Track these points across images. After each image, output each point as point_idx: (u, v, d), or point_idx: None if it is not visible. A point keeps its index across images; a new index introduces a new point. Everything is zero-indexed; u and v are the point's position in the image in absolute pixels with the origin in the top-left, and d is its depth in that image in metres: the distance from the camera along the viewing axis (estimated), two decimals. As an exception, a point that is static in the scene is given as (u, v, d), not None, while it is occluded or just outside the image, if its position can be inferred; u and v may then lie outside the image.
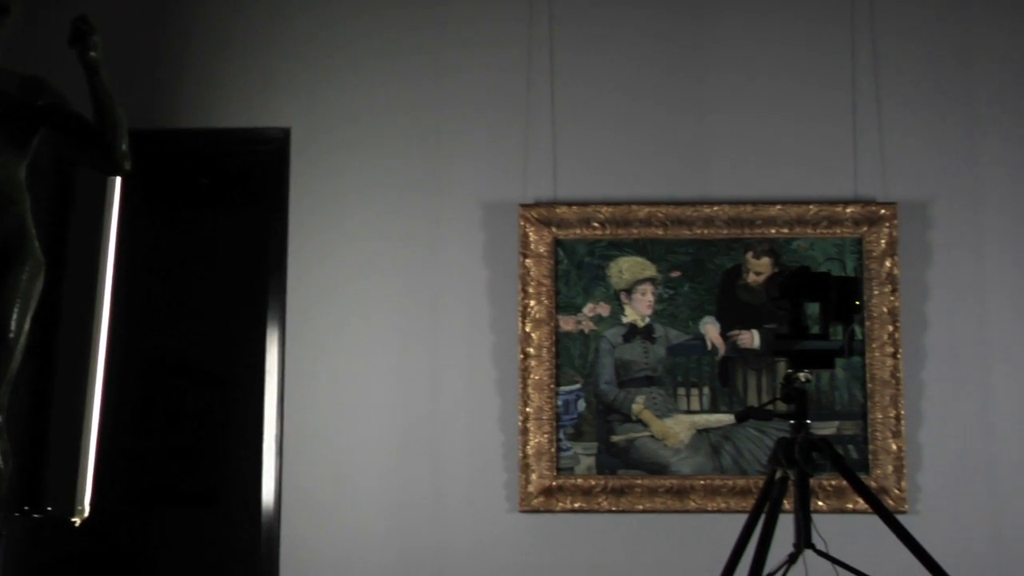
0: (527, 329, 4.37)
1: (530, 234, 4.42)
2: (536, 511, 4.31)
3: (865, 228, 4.37)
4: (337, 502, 4.36)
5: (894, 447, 4.25)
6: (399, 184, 4.52)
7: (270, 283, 4.53)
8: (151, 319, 5.68)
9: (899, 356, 4.29)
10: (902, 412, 4.26)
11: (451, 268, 4.47)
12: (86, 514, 4.02)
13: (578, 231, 4.43)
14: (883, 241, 4.35)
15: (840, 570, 3.18)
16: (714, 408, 4.34)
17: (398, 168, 4.53)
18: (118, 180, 4.23)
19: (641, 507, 4.29)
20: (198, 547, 5.98)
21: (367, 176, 4.53)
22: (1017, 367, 4.32)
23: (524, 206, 4.44)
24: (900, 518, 3.32)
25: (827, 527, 3.28)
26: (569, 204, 4.44)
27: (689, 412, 4.34)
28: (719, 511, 4.25)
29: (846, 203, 4.39)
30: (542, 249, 4.41)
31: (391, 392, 4.42)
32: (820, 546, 3.21)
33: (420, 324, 4.45)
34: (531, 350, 4.36)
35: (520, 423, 4.33)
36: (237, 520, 5.83)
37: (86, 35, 3.31)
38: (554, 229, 4.42)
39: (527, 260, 4.41)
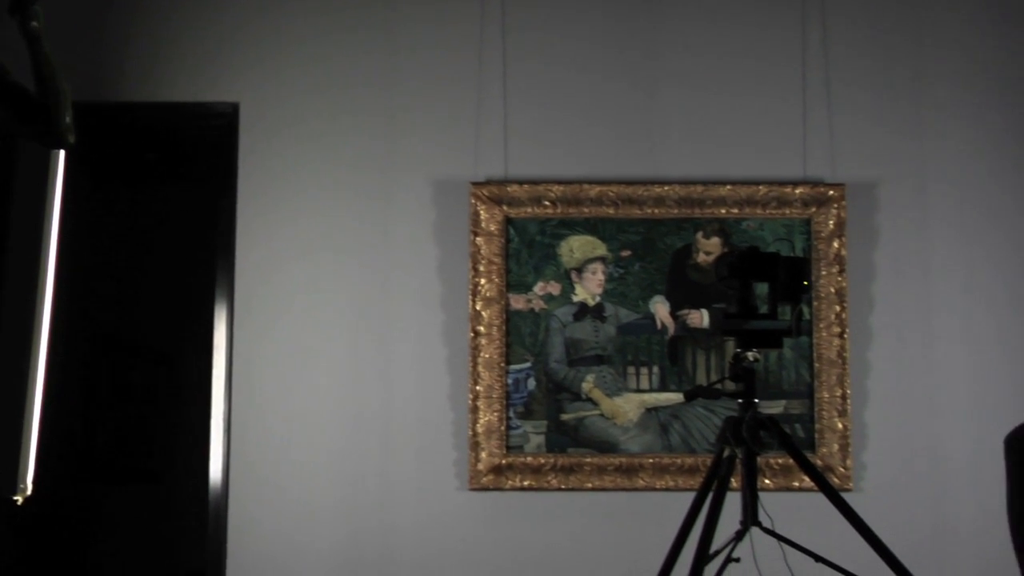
0: (477, 307, 4.37)
1: (481, 212, 4.40)
2: (485, 489, 4.31)
3: (814, 209, 4.40)
4: (286, 479, 4.33)
5: (840, 426, 4.30)
6: (350, 161, 4.49)
7: (218, 260, 4.48)
8: (96, 296, 5.61)
9: (846, 336, 4.33)
10: (848, 391, 4.31)
11: (401, 246, 4.45)
12: (28, 492, 3.96)
13: (529, 210, 4.42)
14: (831, 222, 4.38)
15: (785, 547, 3.21)
16: (663, 387, 4.36)
17: (349, 145, 4.50)
18: (62, 154, 4.15)
19: (590, 485, 4.31)
20: (144, 525, 5.94)
21: (317, 153, 4.49)
22: (961, 348, 4.38)
23: (475, 184, 4.42)
24: (845, 496, 3.35)
25: (773, 505, 3.31)
26: (520, 182, 4.43)
27: (638, 391, 4.36)
28: (667, 489, 4.28)
29: (795, 184, 4.42)
30: (493, 227, 4.40)
31: (341, 370, 4.40)
32: (766, 523, 3.24)
33: (370, 302, 4.43)
34: (481, 328, 4.36)
35: (470, 401, 4.33)
36: (184, 497, 5.80)
37: (27, 4, 3.23)
38: (505, 207, 4.41)
39: (478, 238, 4.39)
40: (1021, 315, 4.38)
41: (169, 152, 5.25)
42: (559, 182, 4.43)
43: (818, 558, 3.21)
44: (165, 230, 6.12)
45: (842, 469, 4.28)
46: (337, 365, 4.40)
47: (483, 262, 4.39)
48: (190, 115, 4.57)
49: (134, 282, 6.04)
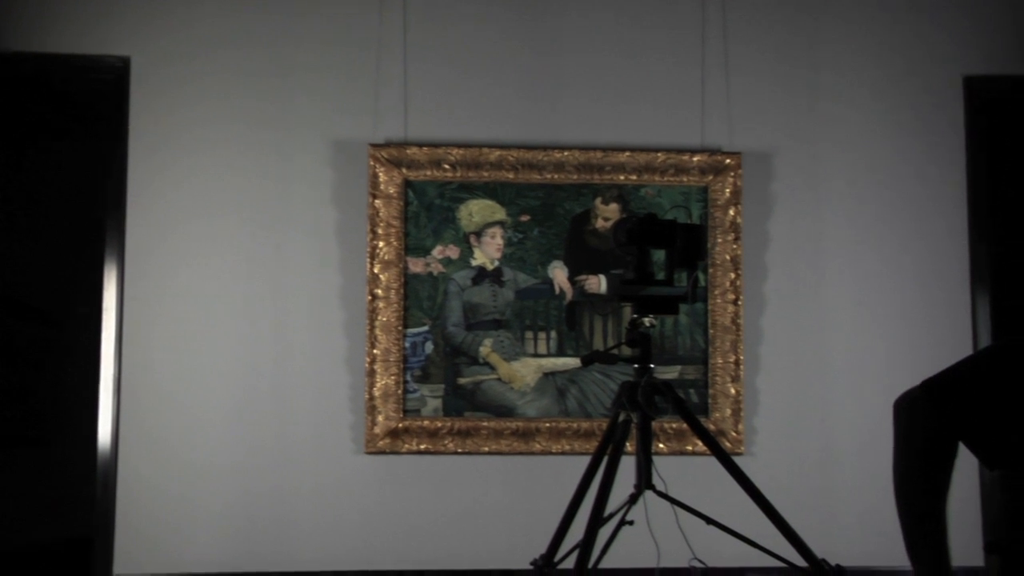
0: (375, 270, 4.33)
1: (380, 174, 4.36)
2: (382, 453, 4.30)
3: (711, 177, 4.44)
4: (178, 442, 4.26)
5: (733, 391, 4.38)
6: (246, 120, 4.40)
7: (108, 218, 4.36)
8: (-21, 254, 5.42)
9: (740, 303, 4.40)
10: (741, 358, 4.38)
11: (299, 207, 4.39)
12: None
13: (429, 172, 4.39)
14: (728, 190, 4.44)
15: (678, 509, 3.26)
16: (560, 352, 4.38)
17: (245, 104, 4.41)
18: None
19: (487, 449, 4.33)
20: (30, 490, 5.78)
21: (212, 111, 4.39)
22: (850, 316, 4.48)
23: (374, 146, 4.37)
24: (736, 459, 3.41)
25: (667, 468, 3.35)
26: (420, 145, 4.39)
27: (536, 355, 4.38)
28: (563, 453, 4.31)
29: (693, 152, 4.46)
30: (392, 190, 4.36)
31: (236, 332, 4.33)
32: (660, 487, 3.28)
33: (266, 263, 4.36)
34: (379, 292, 4.33)
35: (367, 365, 4.30)
36: (71, 461, 5.66)
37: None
38: (404, 170, 4.37)
39: (376, 201, 4.35)
40: (908, 284, 4.50)
41: (57, 106, 5.07)
42: (459, 145, 4.40)
43: (709, 520, 3.26)
44: (52, 187, 5.93)
45: (734, 433, 4.36)
46: (232, 327, 4.33)
47: (382, 225, 4.35)
48: (78, 68, 4.42)
49: (19, 241, 5.86)
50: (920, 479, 1.98)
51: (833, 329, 4.48)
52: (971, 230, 4.52)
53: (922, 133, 4.56)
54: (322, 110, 4.42)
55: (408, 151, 4.37)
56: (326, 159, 4.40)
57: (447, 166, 4.39)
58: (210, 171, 4.37)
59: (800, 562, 3.24)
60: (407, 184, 4.38)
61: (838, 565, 3.22)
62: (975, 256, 4.51)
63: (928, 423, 1.95)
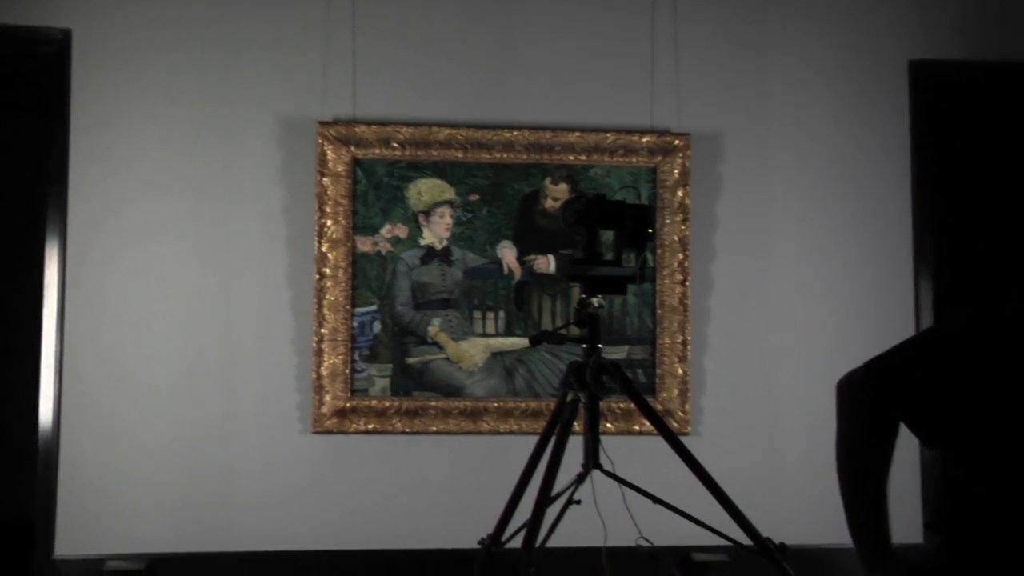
0: (323, 249, 4.30)
1: (328, 153, 4.32)
2: (329, 432, 4.28)
3: (660, 158, 4.46)
4: (123, 422, 4.21)
5: (680, 371, 4.40)
6: (191, 97, 4.33)
7: (50, 194, 4.28)
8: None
9: (688, 284, 4.42)
10: (689, 338, 4.41)
11: (245, 185, 4.34)
12: None
13: (377, 151, 4.36)
14: (676, 171, 4.45)
15: (625, 489, 3.27)
16: (509, 331, 4.38)
17: (190, 80, 4.34)
18: None
19: (435, 428, 4.32)
20: (-31, 470, 5.69)
21: (157, 87, 4.32)
22: (796, 297, 4.52)
23: (322, 124, 4.33)
24: (683, 439, 3.43)
25: (614, 448, 3.36)
26: (369, 123, 4.36)
27: (484, 335, 4.38)
28: (511, 432, 4.32)
29: (642, 133, 4.46)
30: (340, 168, 4.33)
31: (182, 310, 4.28)
32: (607, 466, 3.30)
33: (213, 242, 4.31)
34: (327, 270, 4.30)
35: (314, 344, 4.28)
36: (11, 441, 5.57)
37: None
38: (353, 148, 4.34)
39: (325, 179, 4.32)
40: (854, 266, 4.55)
41: (-6, 78, 4.97)
42: (408, 124, 4.38)
43: (656, 500, 3.28)
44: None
45: (681, 413, 4.38)
46: (177, 306, 4.28)
47: (330, 203, 4.31)
48: (16, 39, 4.32)
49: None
50: (862, 458, 2.00)
51: (780, 310, 4.52)
52: (915, 213, 4.57)
53: (870, 115, 4.60)
54: (269, 87, 4.37)
55: (357, 129, 4.34)
56: (273, 137, 4.36)
57: (396, 145, 4.36)
58: (155, 147, 4.31)
59: (745, 540, 3.27)
60: (355, 162, 4.35)
61: (782, 543, 3.26)
62: (919, 238, 4.56)
63: (870, 403, 1.97)
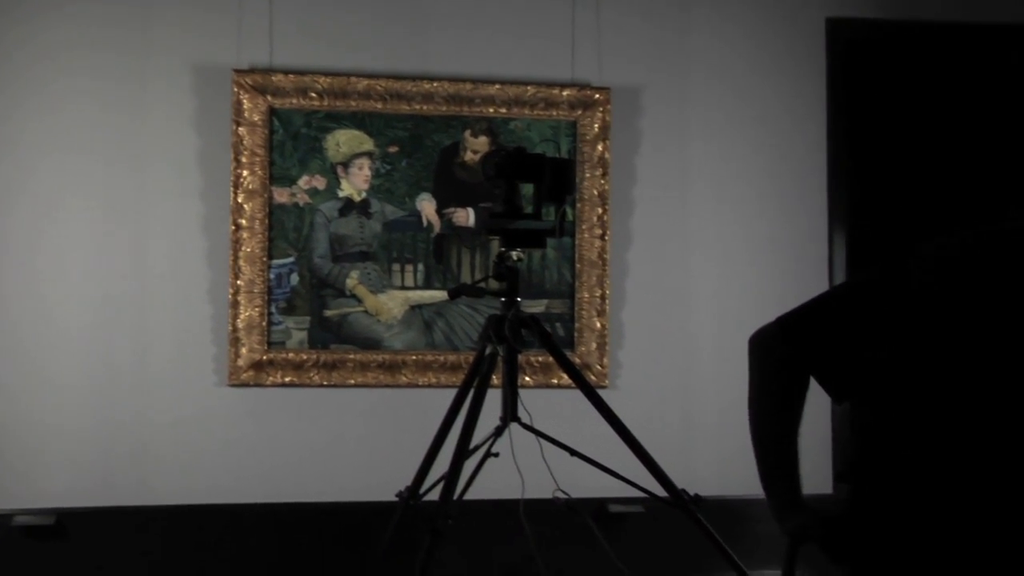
0: (239, 200, 4.23)
1: (244, 101, 4.24)
2: (245, 385, 4.24)
3: (580, 112, 4.45)
4: (32, 375, 4.13)
5: (598, 325, 4.43)
6: (100, 43, 4.22)
7: (-46, 141, 4.15)
8: None
9: (607, 238, 4.44)
10: (607, 292, 4.43)
11: (158, 134, 4.25)
12: None
13: (295, 101, 4.29)
14: (596, 125, 4.45)
15: (543, 442, 3.29)
16: (428, 284, 4.36)
17: (99, 25, 4.22)
18: None
19: (353, 382, 4.30)
20: None
21: (64, 34, 4.20)
22: (714, 251, 4.57)
23: (238, 72, 4.25)
24: (601, 393, 3.46)
25: (533, 401, 3.38)
26: (286, 72, 4.28)
27: (403, 288, 4.35)
28: (430, 386, 4.32)
29: (563, 86, 4.45)
30: (256, 118, 4.25)
31: (92, 261, 4.19)
32: (525, 419, 3.31)
33: (125, 192, 4.22)
34: (243, 222, 4.23)
35: (230, 296, 4.22)
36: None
37: None
38: (269, 97, 4.27)
39: (240, 128, 4.24)
40: (770, 220, 4.60)
41: None
42: (326, 73, 4.31)
43: (573, 452, 3.31)
44: None
45: (599, 367, 4.41)
46: (88, 256, 4.19)
47: (246, 153, 4.24)
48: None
49: None
50: (773, 412, 2.04)
51: (697, 264, 4.56)
52: (830, 168, 4.63)
53: (789, 70, 4.64)
54: (182, 33, 4.27)
55: (273, 78, 4.26)
56: (187, 85, 4.26)
57: (314, 95, 4.30)
58: (65, 97, 4.19)
59: (661, 492, 3.31)
60: (272, 112, 4.27)
61: (697, 495, 3.31)
62: (833, 193, 4.63)
63: (781, 358, 2.00)
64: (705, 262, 4.56)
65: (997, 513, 1.73)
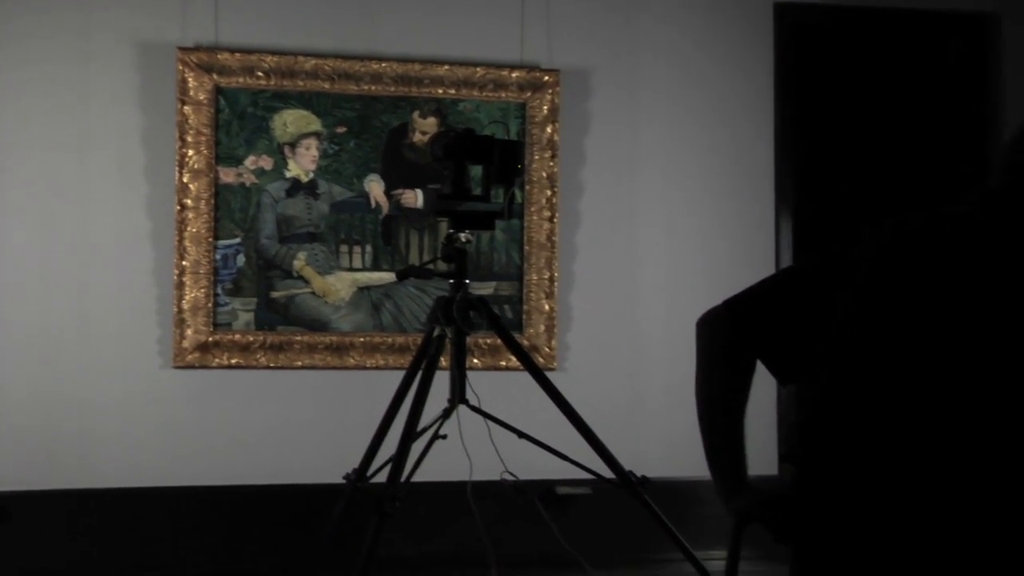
0: (185, 180, 4.18)
1: (189, 80, 4.19)
2: (191, 367, 4.20)
3: (529, 93, 4.44)
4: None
5: (547, 307, 4.43)
6: (43, 19, 4.14)
7: None
8: None
9: (555, 220, 4.44)
10: (556, 274, 4.44)
11: (102, 112, 4.18)
12: None
13: (241, 80, 4.24)
14: (545, 107, 4.45)
15: (491, 424, 3.30)
16: (376, 266, 4.34)
17: (45, 2, 4.14)
18: None
19: (300, 363, 4.27)
20: None
21: (9, 12, 4.11)
22: (661, 234, 4.58)
23: (183, 49, 4.19)
24: (549, 375, 3.47)
25: (481, 383, 3.38)
26: (232, 51, 4.23)
27: (351, 269, 4.33)
28: (378, 368, 4.30)
29: (512, 68, 4.44)
30: (202, 96, 4.20)
31: (35, 242, 4.12)
32: (474, 401, 3.32)
33: (68, 171, 4.15)
34: (189, 202, 4.18)
35: (175, 277, 4.17)
36: None
37: None
38: (215, 76, 4.21)
39: (186, 107, 4.18)
40: (717, 203, 4.63)
41: None
42: (273, 52, 4.27)
43: (521, 434, 3.31)
44: None
45: (547, 349, 4.42)
46: (31, 237, 4.13)
47: (191, 132, 4.19)
48: None
49: None
50: (719, 394, 2.05)
51: (645, 247, 4.57)
52: (777, 151, 4.66)
53: (738, 53, 4.66)
54: (126, 10, 4.20)
55: (219, 56, 4.21)
56: (131, 62, 4.20)
57: (260, 74, 4.25)
58: (5, 77, 4.11)
59: (608, 474, 3.33)
60: (218, 91, 4.22)
61: (644, 476, 3.33)
62: (780, 176, 4.66)
63: (728, 341, 2.01)
64: (653, 245, 4.58)
65: (935, 492, 1.76)
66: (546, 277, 4.44)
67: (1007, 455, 1.75)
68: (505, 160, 3.35)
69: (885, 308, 1.85)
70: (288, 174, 4.28)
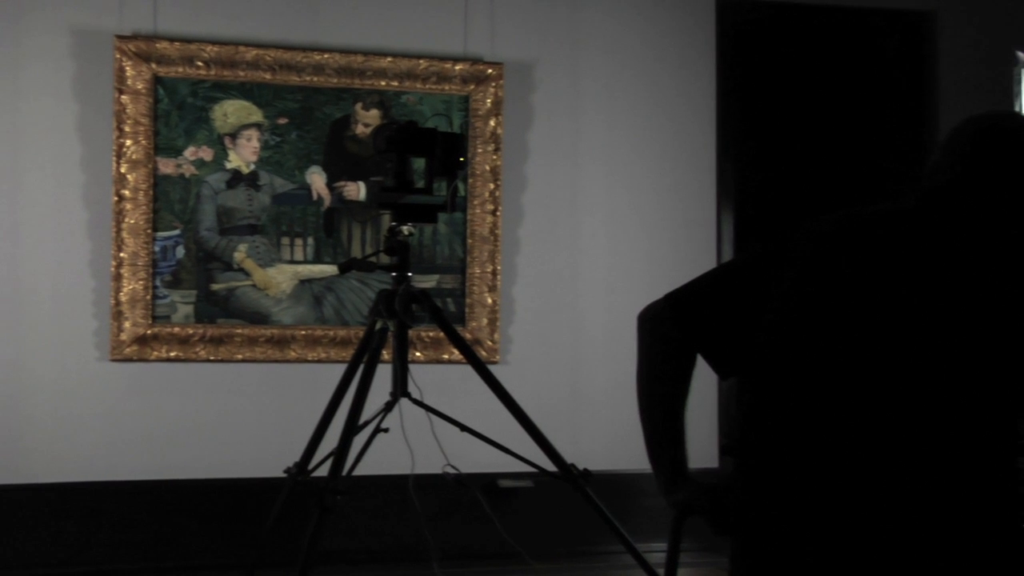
0: (122, 170, 4.12)
1: (127, 69, 4.12)
2: (129, 360, 4.14)
3: (472, 86, 4.43)
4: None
5: (489, 301, 4.43)
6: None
7: None
8: None
9: (498, 214, 4.44)
10: (499, 268, 4.44)
11: (36, 101, 4.10)
12: None
13: (180, 69, 4.19)
14: (489, 100, 4.44)
15: (433, 417, 3.29)
16: (318, 259, 4.31)
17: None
18: None
19: (240, 356, 4.23)
20: None
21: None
22: (604, 227, 4.60)
23: (120, 38, 4.12)
24: (491, 368, 3.46)
25: (423, 376, 3.38)
26: (171, 39, 4.18)
27: (292, 262, 4.30)
28: (319, 361, 4.27)
29: (455, 60, 4.43)
30: (140, 86, 4.14)
31: (-34, 233, 4.05)
32: (416, 395, 3.30)
33: (1, 161, 4.07)
34: (127, 192, 4.12)
35: (113, 269, 4.11)
36: None
37: None
38: (154, 65, 4.15)
39: (123, 96, 4.12)
40: (660, 198, 4.65)
41: None
42: (213, 42, 4.21)
43: (463, 427, 3.31)
44: None
45: (490, 342, 4.42)
46: (-39, 227, 4.04)
47: (129, 122, 4.13)
48: None
49: None
50: (661, 387, 2.06)
51: (587, 240, 4.59)
52: (719, 147, 4.70)
53: (680, 48, 4.68)
54: (63, -4, 4.13)
55: (158, 45, 4.15)
56: (66, 49, 4.12)
57: (200, 63, 4.20)
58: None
59: (550, 467, 3.34)
60: (157, 80, 4.16)
61: (585, 469, 3.34)
62: (722, 172, 4.70)
63: (669, 334, 2.02)
64: (596, 238, 4.59)
65: (872, 486, 1.78)
66: (489, 270, 4.43)
67: (940, 445, 1.78)
68: (448, 153, 3.34)
69: (820, 301, 1.87)
70: (229, 165, 4.24)
